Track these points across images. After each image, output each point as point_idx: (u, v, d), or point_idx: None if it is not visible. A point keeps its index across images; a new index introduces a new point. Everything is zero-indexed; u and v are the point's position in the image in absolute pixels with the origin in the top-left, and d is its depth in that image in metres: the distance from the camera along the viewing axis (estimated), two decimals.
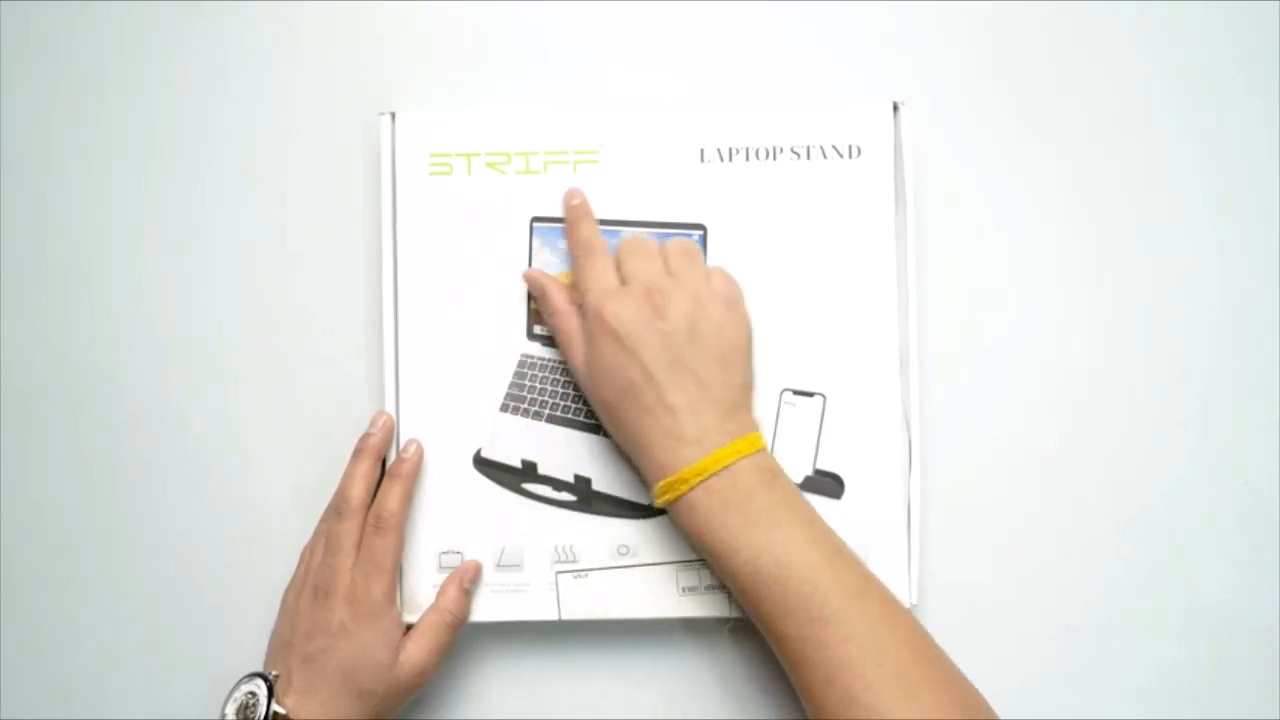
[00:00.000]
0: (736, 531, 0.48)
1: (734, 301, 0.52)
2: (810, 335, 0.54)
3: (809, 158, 0.55)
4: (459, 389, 0.55)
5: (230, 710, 0.50)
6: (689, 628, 0.57)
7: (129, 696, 0.58)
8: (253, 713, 0.49)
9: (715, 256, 0.55)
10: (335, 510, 0.53)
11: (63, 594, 0.58)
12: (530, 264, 0.56)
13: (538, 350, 0.56)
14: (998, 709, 0.48)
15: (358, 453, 0.54)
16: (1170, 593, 0.57)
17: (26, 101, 0.60)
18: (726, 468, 0.48)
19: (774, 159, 0.55)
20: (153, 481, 0.58)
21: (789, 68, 0.59)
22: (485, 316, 0.56)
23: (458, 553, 0.55)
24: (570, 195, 0.55)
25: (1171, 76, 0.59)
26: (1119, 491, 0.57)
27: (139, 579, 0.58)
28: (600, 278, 0.52)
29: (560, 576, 0.54)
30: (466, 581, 0.54)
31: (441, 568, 0.55)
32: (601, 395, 0.51)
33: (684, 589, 0.54)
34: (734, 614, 0.54)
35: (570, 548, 0.55)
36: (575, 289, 0.54)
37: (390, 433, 0.55)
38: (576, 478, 0.55)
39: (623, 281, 0.52)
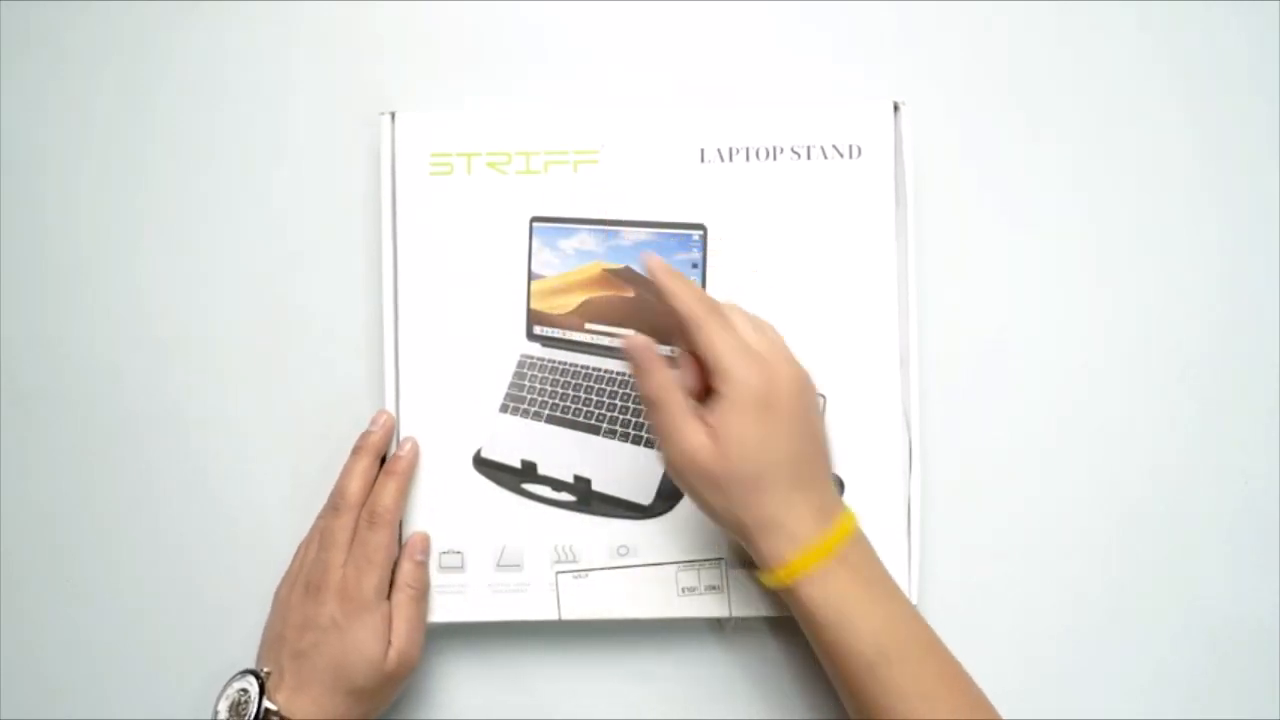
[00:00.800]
0: (862, 600, 0.48)
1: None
2: (810, 335, 0.54)
3: (809, 158, 0.55)
4: (459, 389, 0.55)
5: (223, 707, 0.50)
6: (689, 628, 0.57)
7: (128, 695, 0.58)
8: (245, 710, 0.49)
9: (715, 256, 0.55)
10: (331, 506, 0.54)
11: (62, 593, 0.58)
12: (530, 264, 0.56)
13: (537, 350, 0.56)
14: (998, 708, 0.48)
15: (357, 450, 0.54)
16: (1170, 592, 0.57)
17: (26, 101, 0.60)
18: (850, 535, 0.48)
19: (774, 159, 0.55)
20: (153, 481, 0.58)
21: (789, 68, 0.59)
22: (485, 316, 0.56)
23: (458, 553, 0.55)
24: (649, 256, 0.50)
25: (1171, 77, 0.59)
26: (1119, 491, 0.57)
27: (138, 578, 0.58)
28: (735, 339, 0.48)
29: (560, 576, 0.54)
30: (417, 554, 0.54)
31: (442, 568, 0.55)
32: (741, 468, 0.47)
33: (683, 589, 0.54)
34: (733, 614, 0.54)
35: (570, 548, 0.55)
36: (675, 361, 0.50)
37: (390, 431, 0.55)
38: (576, 478, 0.55)
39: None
